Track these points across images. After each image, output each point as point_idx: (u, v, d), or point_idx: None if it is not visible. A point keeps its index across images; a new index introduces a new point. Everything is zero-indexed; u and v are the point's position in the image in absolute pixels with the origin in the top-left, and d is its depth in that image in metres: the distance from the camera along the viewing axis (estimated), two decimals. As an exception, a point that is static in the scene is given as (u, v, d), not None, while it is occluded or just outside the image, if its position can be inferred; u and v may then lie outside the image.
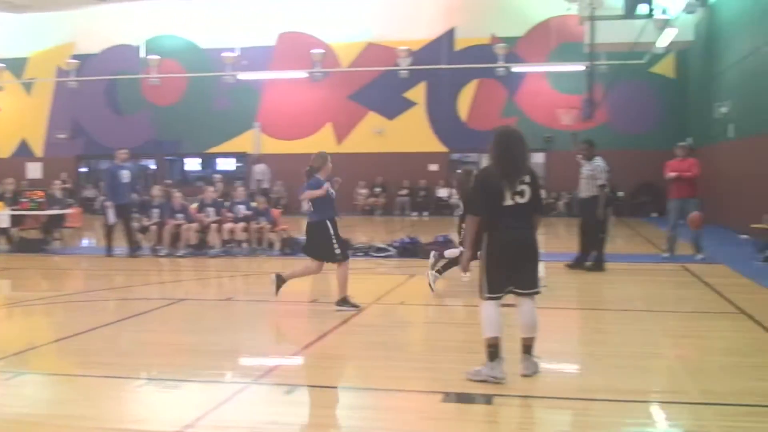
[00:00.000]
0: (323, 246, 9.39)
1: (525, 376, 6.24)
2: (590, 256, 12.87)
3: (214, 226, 15.75)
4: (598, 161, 12.80)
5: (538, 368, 6.35)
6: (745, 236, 17.72)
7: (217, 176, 27.89)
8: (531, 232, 6.31)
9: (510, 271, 6.23)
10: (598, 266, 12.74)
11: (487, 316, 6.22)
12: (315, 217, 9.48)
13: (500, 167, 6.22)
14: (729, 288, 10.87)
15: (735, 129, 20.33)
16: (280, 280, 9.78)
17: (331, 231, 9.36)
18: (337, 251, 9.36)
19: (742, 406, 5.55)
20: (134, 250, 15.70)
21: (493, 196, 6.21)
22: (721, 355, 7.28)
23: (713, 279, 11.76)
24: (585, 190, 12.82)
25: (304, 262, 9.99)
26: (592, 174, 12.68)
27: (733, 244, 17.24)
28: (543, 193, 6.65)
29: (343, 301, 9.35)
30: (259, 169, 30.48)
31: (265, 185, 29.54)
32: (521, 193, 6.19)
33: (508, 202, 6.17)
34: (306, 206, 9.88)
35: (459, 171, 10.87)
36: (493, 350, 6.13)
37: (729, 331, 8.38)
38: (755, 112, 18.29)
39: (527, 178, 6.22)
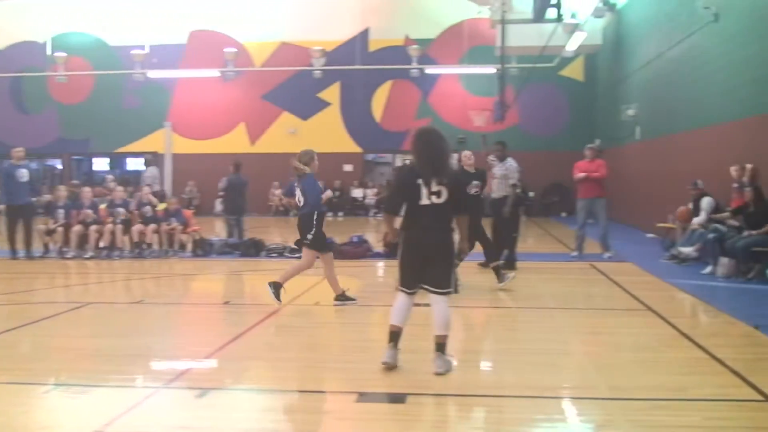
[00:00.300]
0: (303, 233, 9.74)
1: (438, 374, 6.30)
2: (502, 255, 13.03)
3: (120, 227, 15.38)
4: (511, 161, 13.00)
5: (451, 366, 6.43)
6: (651, 235, 18.27)
7: (109, 176, 26.93)
8: (444, 234, 6.44)
9: (422, 269, 6.41)
10: (510, 265, 12.91)
11: (396, 306, 6.54)
12: (306, 209, 9.77)
13: (419, 166, 6.36)
14: (636, 285, 11.16)
15: (641, 131, 20.90)
16: (342, 297, 9.86)
17: (315, 221, 9.68)
18: (309, 237, 9.67)
19: (648, 401, 5.69)
20: (31, 252, 15.20)
21: (410, 195, 6.38)
22: (629, 351, 7.46)
23: (621, 277, 12.06)
24: (497, 190, 12.99)
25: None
26: (505, 174, 12.87)
27: (639, 242, 17.75)
28: (462, 192, 6.77)
29: (276, 286, 9.58)
30: (150, 172, 29.72)
31: (156, 188, 28.79)
32: (438, 194, 6.34)
33: (425, 201, 6.32)
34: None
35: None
36: (391, 336, 6.46)
37: (636, 327, 8.60)
38: (660, 115, 18.86)
39: (445, 179, 6.35)
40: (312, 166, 9.88)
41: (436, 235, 6.40)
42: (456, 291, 6.65)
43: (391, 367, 6.41)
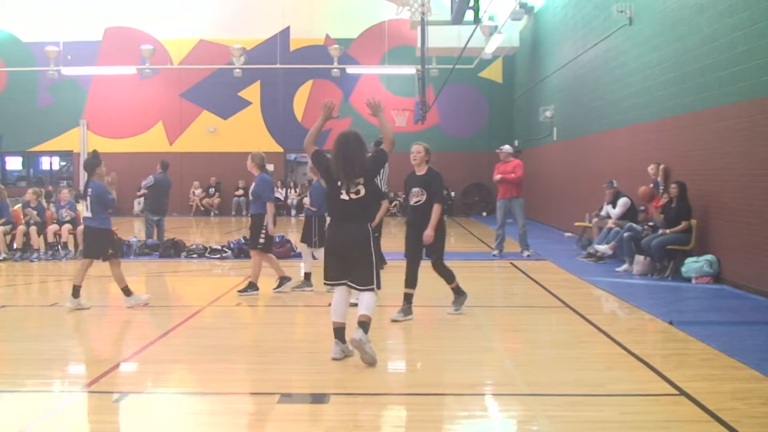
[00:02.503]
0: (254, 233, 10.44)
1: (353, 340, 6.61)
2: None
3: (34, 228, 14.95)
4: None
5: (365, 338, 6.64)
6: (568, 234, 18.63)
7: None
8: (362, 228, 6.80)
9: (344, 265, 6.79)
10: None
11: (333, 303, 6.91)
12: (255, 210, 10.51)
13: (335, 168, 6.75)
14: (554, 283, 11.38)
15: (558, 132, 21.28)
16: (250, 287, 10.46)
17: (265, 223, 10.31)
18: (261, 241, 10.35)
19: (567, 396, 5.80)
20: None
21: (331, 188, 6.85)
22: (548, 348, 7.60)
23: (539, 275, 12.28)
24: None
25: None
26: None
27: (557, 241, 18.07)
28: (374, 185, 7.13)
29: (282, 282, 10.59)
30: None
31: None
32: (357, 191, 6.74)
33: (344, 197, 6.74)
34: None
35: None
36: (336, 333, 6.83)
37: (555, 324, 8.78)
38: (577, 116, 19.23)
39: (362, 180, 6.74)
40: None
41: (354, 229, 6.78)
42: (379, 287, 6.82)
43: (340, 360, 6.75)
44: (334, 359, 6.74)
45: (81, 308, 9.41)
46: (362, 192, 6.75)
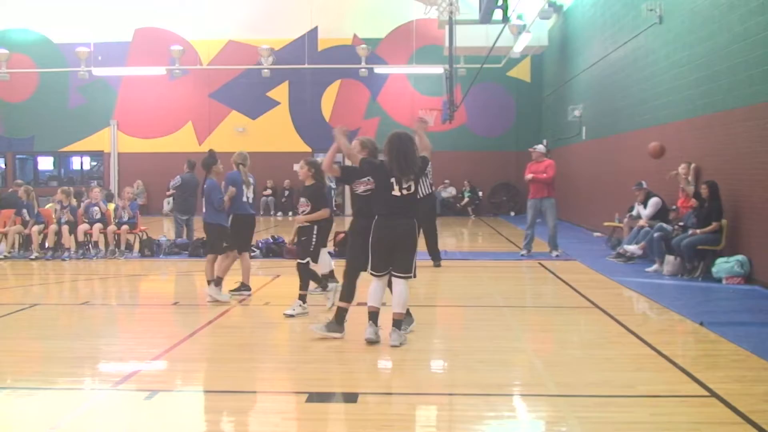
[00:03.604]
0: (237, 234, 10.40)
1: (393, 347, 7.13)
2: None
3: (66, 227, 15.09)
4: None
5: (405, 340, 7.33)
6: (597, 234, 18.52)
7: (19, 181, 25.01)
8: (411, 221, 7.37)
9: (390, 255, 7.24)
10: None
11: (371, 290, 7.36)
12: (231, 210, 10.35)
13: (391, 166, 7.21)
14: (583, 283, 11.31)
15: (587, 131, 21.16)
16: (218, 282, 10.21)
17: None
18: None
19: (596, 397, 5.77)
20: None
21: (383, 186, 7.27)
22: (577, 348, 7.55)
23: (568, 275, 12.21)
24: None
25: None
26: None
27: (586, 241, 17.97)
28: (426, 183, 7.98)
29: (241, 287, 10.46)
30: None
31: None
32: (408, 188, 7.23)
33: (396, 192, 7.18)
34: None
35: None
36: (370, 316, 7.30)
37: (584, 324, 8.73)
38: (606, 115, 19.10)
39: (413, 177, 7.24)
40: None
41: (405, 222, 7.32)
42: (414, 276, 7.54)
43: (373, 342, 7.21)
44: (368, 340, 7.14)
45: (220, 300, 9.93)
46: (412, 188, 7.28)
